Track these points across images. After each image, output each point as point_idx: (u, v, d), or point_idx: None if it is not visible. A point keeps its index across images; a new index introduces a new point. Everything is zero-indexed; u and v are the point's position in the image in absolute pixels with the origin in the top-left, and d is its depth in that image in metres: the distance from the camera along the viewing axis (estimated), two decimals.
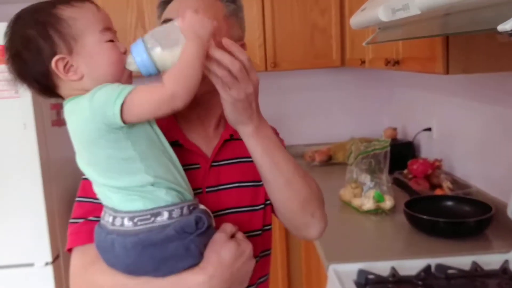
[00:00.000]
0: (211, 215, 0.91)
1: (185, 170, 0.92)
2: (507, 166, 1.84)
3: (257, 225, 1.03)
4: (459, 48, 1.41)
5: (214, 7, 0.98)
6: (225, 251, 0.87)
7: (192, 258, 0.86)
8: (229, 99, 0.87)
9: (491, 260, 1.46)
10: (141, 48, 0.82)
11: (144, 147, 0.83)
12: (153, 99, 0.80)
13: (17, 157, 2.32)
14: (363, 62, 2.37)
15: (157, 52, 0.82)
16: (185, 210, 0.85)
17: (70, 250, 0.95)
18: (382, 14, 1.15)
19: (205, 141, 1.03)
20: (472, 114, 2.08)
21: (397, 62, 1.82)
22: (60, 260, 2.49)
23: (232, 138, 1.03)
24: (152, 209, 0.83)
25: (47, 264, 2.40)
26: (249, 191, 1.02)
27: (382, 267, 1.43)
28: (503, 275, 1.39)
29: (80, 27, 0.83)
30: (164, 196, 0.83)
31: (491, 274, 1.40)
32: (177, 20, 0.84)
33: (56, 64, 0.82)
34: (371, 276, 1.39)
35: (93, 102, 0.79)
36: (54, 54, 0.81)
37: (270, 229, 1.07)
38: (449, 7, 0.89)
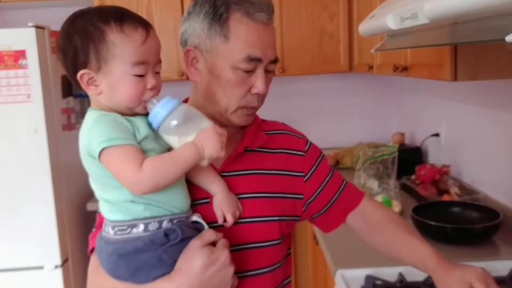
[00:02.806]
0: (205, 226, 0.93)
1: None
2: None
3: (275, 234, 1.03)
4: (467, 55, 1.42)
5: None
6: (195, 259, 0.88)
7: (165, 267, 0.89)
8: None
9: (499, 267, 1.46)
10: (163, 113, 0.86)
11: None
12: (120, 170, 0.83)
13: (28, 161, 2.35)
14: (371, 67, 2.38)
15: (170, 126, 0.87)
16: (165, 223, 0.89)
17: (91, 252, 1.00)
18: (391, 22, 1.16)
19: None
20: (480, 120, 2.08)
21: (405, 68, 1.83)
22: (69, 263, 2.51)
23: (247, 150, 1.04)
24: (130, 220, 0.87)
25: (56, 267, 2.42)
26: (264, 201, 1.02)
27: (389, 273, 1.43)
28: (511, 282, 1.39)
29: (115, 54, 0.85)
30: (142, 212, 0.87)
31: (499, 280, 1.39)
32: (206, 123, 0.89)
33: (81, 75, 0.87)
34: (378, 282, 1.40)
35: (89, 131, 0.85)
36: (85, 66, 0.87)
37: (286, 236, 1.10)
38: (458, 17, 0.90)
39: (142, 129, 0.88)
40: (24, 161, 2.36)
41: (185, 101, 1.10)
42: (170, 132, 0.87)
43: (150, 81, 0.88)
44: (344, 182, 1.17)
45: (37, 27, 2.31)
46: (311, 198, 1.10)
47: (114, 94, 0.87)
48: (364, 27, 1.47)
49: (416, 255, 1.06)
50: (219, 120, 1.02)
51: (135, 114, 0.90)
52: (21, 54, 2.29)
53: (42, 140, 2.34)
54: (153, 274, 0.88)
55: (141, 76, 0.87)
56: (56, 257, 2.42)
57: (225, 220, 0.98)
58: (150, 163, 0.83)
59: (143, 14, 2.72)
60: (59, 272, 2.42)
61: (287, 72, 2.81)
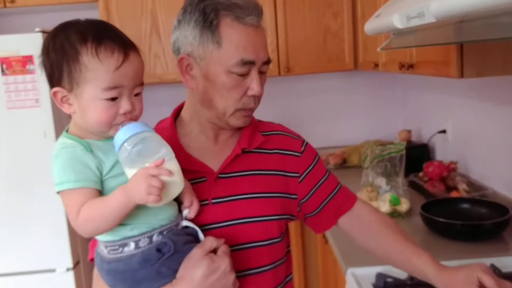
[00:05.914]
0: (197, 229, 0.94)
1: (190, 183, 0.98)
2: None
3: (275, 233, 1.05)
4: (473, 52, 1.42)
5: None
6: (196, 269, 0.89)
7: (165, 278, 0.90)
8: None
9: (509, 262, 1.46)
10: (120, 139, 0.83)
11: None
12: (68, 214, 0.86)
13: (38, 165, 2.37)
14: (376, 65, 2.38)
15: (125, 153, 0.83)
16: (155, 237, 0.89)
17: (91, 260, 1.01)
18: (397, 21, 1.17)
19: (213, 153, 1.06)
20: (487, 116, 2.07)
21: (411, 66, 1.83)
22: (80, 266, 2.54)
23: (244, 152, 1.06)
24: (120, 240, 0.88)
25: (68, 270, 2.45)
26: (263, 201, 1.04)
27: (400, 271, 1.43)
28: None
29: (86, 78, 0.84)
30: (129, 231, 0.88)
31: (509, 276, 1.40)
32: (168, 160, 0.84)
33: (54, 93, 0.87)
34: (389, 280, 1.41)
35: (51, 167, 0.88)
36: (59, 84, 0.86)
37: (285, 234, 1.12)
38: (465, 15, 0.90)
39: (111, 155, 0.86)
40: (34, 165, 2.38)
41: (181, 106, 1.11)
42: (125, 159, 0.83)
43: (124, 106, 0.86)
44: (338, 185, 1.19)
45: (44, 32, 2.33)
46: (305, 199, 1.12)
47: (84, 116, 0.87)
48: (370, 26, 1.48)
49: (415, 262, 1.06)
50: (217, 124, 1.04)
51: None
52: (28, 59, 2.31)
53: (51, 144, 2.35)
54: (154, 286, 0.90)
55: (114, 99, 0.85)
56: (67, 260, 2.44)
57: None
58: (85, 212, 0.83)
59: (148, 19, 2.73)
60: (71, 275, 2.45)
61: (292, 71, 2.81)
